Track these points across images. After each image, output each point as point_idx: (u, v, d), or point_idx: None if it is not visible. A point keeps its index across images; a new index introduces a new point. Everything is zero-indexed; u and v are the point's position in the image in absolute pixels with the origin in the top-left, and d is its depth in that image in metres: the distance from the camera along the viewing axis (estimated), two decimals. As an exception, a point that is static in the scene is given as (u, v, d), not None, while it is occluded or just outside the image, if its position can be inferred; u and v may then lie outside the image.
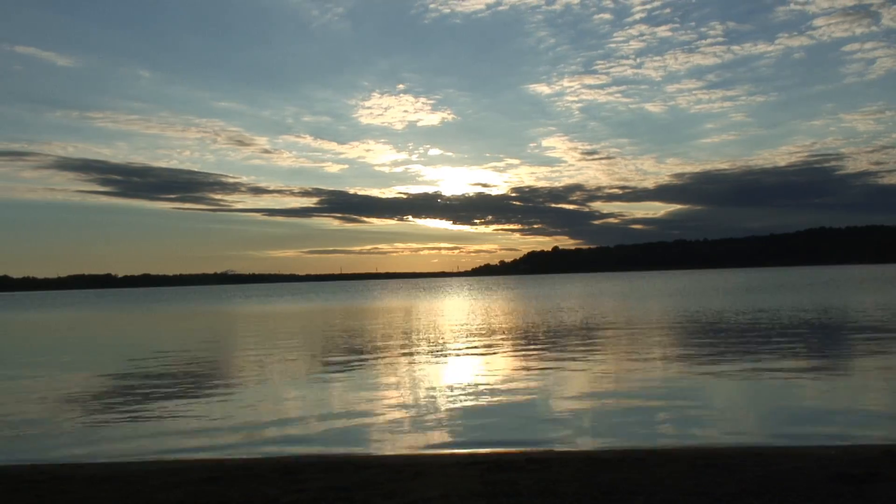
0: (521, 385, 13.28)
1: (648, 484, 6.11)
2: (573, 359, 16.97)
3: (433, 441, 9.04)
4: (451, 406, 11.41)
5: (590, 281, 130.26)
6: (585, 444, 8.61)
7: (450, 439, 9.11)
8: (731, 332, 22.90)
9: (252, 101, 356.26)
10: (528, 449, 8.26)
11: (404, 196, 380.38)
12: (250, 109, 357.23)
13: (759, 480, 6.13)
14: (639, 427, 9.50)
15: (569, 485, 6.16)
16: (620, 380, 13.52)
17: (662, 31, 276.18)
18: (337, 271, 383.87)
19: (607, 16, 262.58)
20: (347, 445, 8.98)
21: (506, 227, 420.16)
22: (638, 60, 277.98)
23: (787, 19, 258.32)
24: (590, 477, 6.42)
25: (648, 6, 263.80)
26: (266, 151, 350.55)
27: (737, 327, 24.44)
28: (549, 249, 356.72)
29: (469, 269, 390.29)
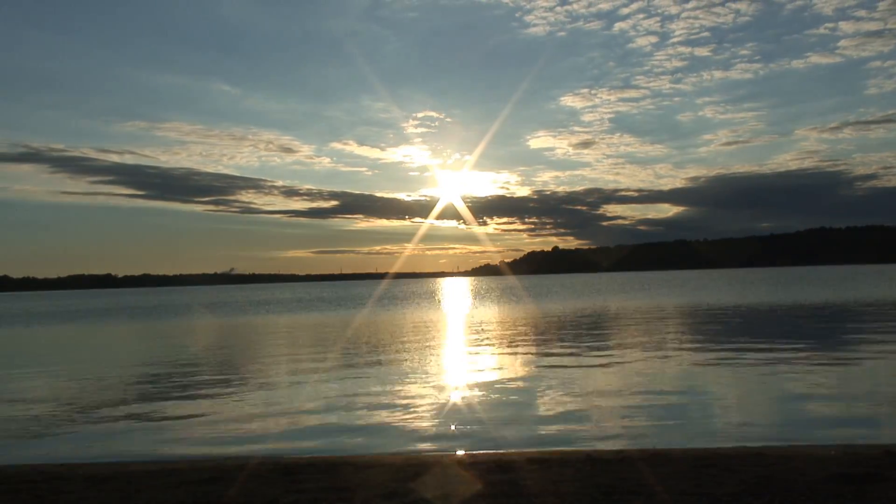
0: (524, 384, 13.27)
1: (648, 484, 6.10)
2: (580, 356, 16.97)
3: (434, 441, 9.04)
4: (453, 406, 11.40)
5: (588, 282, 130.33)
6: (586, 444, 8.60)
7: (451, 439, 9.10)
8: (737, 327, 22.91)
9: (313, 113, 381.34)
10: (529, 449, 8.25)
11: (426, 198, 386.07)
12: (308, 120, 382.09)
13: (760, 481, 6.13)
14: (640, 426, 9.50)
15: (569, 485, 6.15)
16: (622, 378, 13.53)
17: (700, 51, 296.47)
18: (337, 271, 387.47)
19: (653, 38, 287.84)
20: (348, 446, 8.97)
21: (517, 228, 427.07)
22: (676, 76, 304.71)
23: (816, 41, 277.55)
24: (590, 477, 6.42)
25: (690, 30, 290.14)
26: (309, 157, 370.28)
27: (742, 323, 24.47)
28: (550, 249, 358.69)
29: (469, 269, 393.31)
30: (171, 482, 6.81)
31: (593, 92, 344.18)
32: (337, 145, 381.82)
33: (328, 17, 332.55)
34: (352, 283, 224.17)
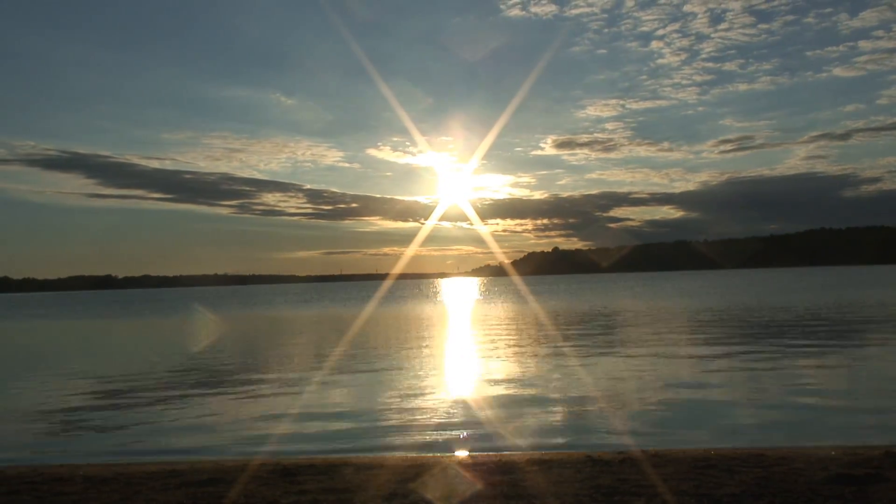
0: (524, 384, 13.26)
1: (649, 485, 6.10)
2: (583, 356, 16.97)
3: (434, 442, 9.03)
4: (453, 406, 11.40)
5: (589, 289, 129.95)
6: (586, 444, 8.59)
7: (451, 440, 9.10)
8: (746, 328, 22.91)
9: (356, 122, 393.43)
10: (529, 450, 8.25)
11: (443, 200, 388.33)
12: (350, 129, 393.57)
13: (760, 482, 6.12)
14: (641, 426, 9.49)
15: (569, 486, 6.15)
16: (622, 378, 13.52)
17: (728, 66, 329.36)
18: (338, 272, 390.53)
19: (684, 55, 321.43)
20: (348, 446, 8.97)
21: (527, 229, 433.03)
22: (703, 88, 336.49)
23: (837, 56, 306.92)
24: (590, 478, 6.42)
25: (719, 48, 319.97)
26: (340, 162, 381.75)
27: (753, 324, 24.46)
28: (550, 250, 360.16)
29: (469, 270, 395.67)
30: (172, 483, 6.81)
31: (622, 102, 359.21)
32: (372, 151, 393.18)
33: (389, 40, 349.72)
34: (341, 285, 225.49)
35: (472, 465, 7.18)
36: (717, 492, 5.85)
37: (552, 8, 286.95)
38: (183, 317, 48.87)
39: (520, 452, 8.08)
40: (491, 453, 8.11)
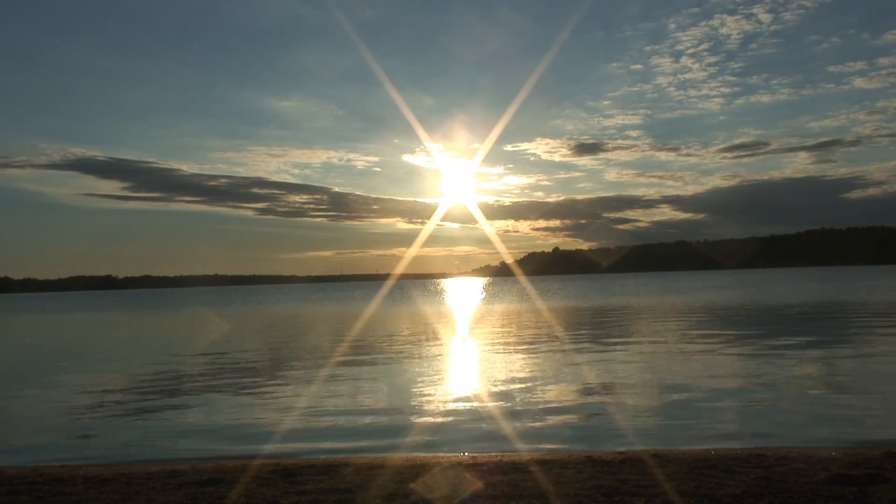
0: (526, 385, 13.27)
1: (649, 485, 6.10)
2: (582, 355, 16.97)
3: (435, 442, 9.03)
4: (454, 408, 11.40)
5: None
6: (586, 445, 8.59)
7: (452, 441, 9.10)
8: (737, 327, 22.91)
9: (396, 131, 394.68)
10: (529, 450, 8.25)
11: (458, 203, 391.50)
12: (388, 137, 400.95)
13: (761, 482, 6.13)
14: (642, 426, 9.49)
15: (569, 486, 6.15)
16: (623, 377, 13.52)
17: (752, 80, 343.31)
18: (338, 272, 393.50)
19: (713, 69, 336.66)
20: (348, 446, 8.97)
21: (534, 228, 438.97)
22: (728, 99, 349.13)
23: (856, 71, 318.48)
24: (590, 478, 6.42)
25: (747, 64, 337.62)
26: (370, 167, 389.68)
27: (752, 321, 24.47)
28: (550, 250, 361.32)
29: (469, 270, 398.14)
30: (172, 483, 6.81)
31: (649, 112, 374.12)
32: (406, 156, 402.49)
33: (435, 59, 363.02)
34: (339, 285, 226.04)
35: (472, 465, 7.18)
36: (718, 492, 5.85)
37: (600, 34, 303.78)
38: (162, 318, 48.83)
39: (520, 452, 8.08)
40: (491, 453, 8.11)
